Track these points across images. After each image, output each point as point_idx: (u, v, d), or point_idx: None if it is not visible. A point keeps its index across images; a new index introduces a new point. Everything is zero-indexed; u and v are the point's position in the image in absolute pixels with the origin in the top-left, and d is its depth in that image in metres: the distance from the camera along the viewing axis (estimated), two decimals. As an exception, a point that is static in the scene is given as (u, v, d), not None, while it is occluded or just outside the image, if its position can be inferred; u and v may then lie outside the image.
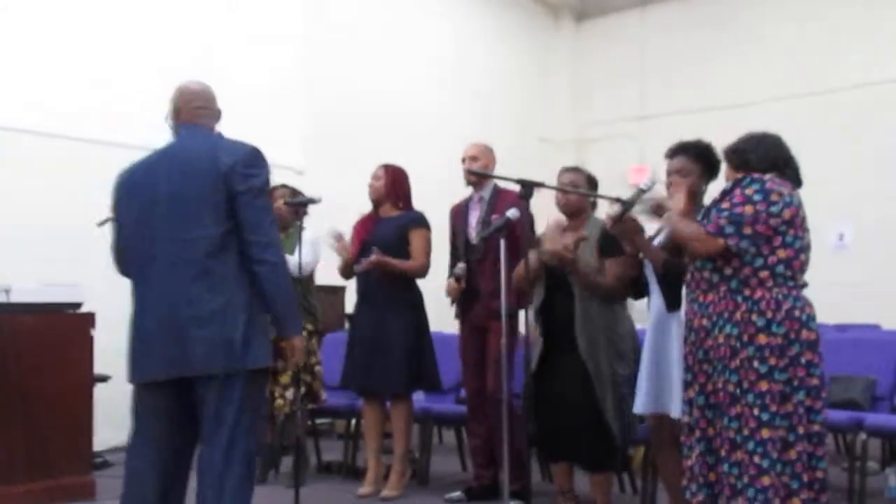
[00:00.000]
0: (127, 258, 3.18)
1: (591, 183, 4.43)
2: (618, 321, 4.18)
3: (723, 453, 3.12)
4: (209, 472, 2.99)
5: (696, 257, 3.27)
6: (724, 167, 3.52)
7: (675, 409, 3.56)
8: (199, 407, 3.02)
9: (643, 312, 4.18)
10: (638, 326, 4.34)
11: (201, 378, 2.98)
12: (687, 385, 3.33)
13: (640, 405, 3.82)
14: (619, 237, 3.75)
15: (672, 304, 3.69)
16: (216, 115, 3.26)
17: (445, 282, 5.03)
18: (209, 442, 3.01)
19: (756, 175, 3.20)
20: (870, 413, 4.88)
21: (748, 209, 3.12)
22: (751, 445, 3.06)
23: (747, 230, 3.11)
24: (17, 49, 6.26)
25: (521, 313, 4.01)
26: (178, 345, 2.99)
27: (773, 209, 3.11)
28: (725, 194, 3.27)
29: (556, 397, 4.15)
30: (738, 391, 3.10)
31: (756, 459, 3.04)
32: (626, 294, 4.15)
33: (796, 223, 3.16)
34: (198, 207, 3.02)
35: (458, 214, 5.14)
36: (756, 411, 3.06)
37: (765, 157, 3.30)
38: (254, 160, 3.07)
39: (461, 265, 4.87)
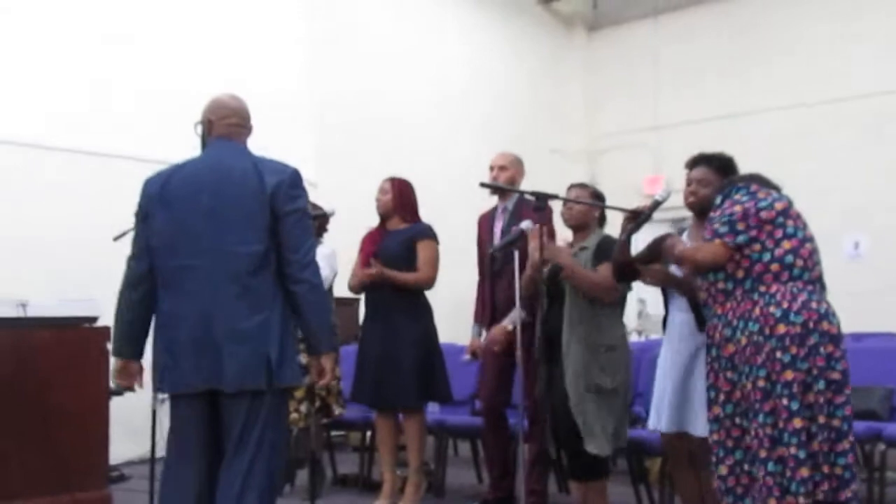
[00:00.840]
0: (154, 261, 3.15)
1: (598, 198, 4.43)
2: (603, 333, 4.14)
3: (763, 454, 3.09)
4: (228, 490, 3.00)
5: (705, 270, 3.29)
6: None
7: (699, 428, 3.54)
8: (226, 423, 3.05)
9: (657, 324, 4.17)
10: (654, 336, 4.32)
11: (231, 394, 3.01)
12: (711, 403, 3.31)
13: (664, 423, 3.77)
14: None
15: (702, 323, 3.67)
16: (249, 132, 3.30)
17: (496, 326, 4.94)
18: (231, 458, 3.03)
19: (742, 184, 3.32)
20: (888, 423, 4.85)
21: (737, 208, 3.22)
22: (785, 437, 3.05)
23: (741, 226, 3.19)
24: (33, 64, 6.32)
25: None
26: (213, 358, 3.02)
27: (762, 203, 3.21)
28: (716, 209, 3.35)
29: (553, 411, 4.16)
30: (768, 385, 3.10)
31: (792, 451, 3.04)
32: (611, 294, 4.13)
33: (791, 214, 3.24)
34: (242, 223, 3.05)
35: (484, 224, 5.14)
36: (785, 401, 3.06)
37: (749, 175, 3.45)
38: (297, 181, 3.16)
39: (520, 312, 4.37)
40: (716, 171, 3.70)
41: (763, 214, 3.18)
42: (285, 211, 3.05)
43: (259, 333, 3.01)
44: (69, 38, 6.50)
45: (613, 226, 4.18)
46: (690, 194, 3.72)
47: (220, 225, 3.05)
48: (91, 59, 6.58)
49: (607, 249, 4.00)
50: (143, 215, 3.20)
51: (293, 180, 3.13)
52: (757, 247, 3.17)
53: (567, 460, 4.21)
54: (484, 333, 5.08)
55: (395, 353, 4.94)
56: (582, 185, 4.47)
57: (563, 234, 4.79)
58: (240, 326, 3.01)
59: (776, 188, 3.38)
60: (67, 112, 6.40)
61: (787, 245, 3.17)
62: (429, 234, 5.09)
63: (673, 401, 3.75)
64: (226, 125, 3.23)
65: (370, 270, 4.89)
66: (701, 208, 3.73)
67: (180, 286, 3.09)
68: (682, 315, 3.75)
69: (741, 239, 3.17)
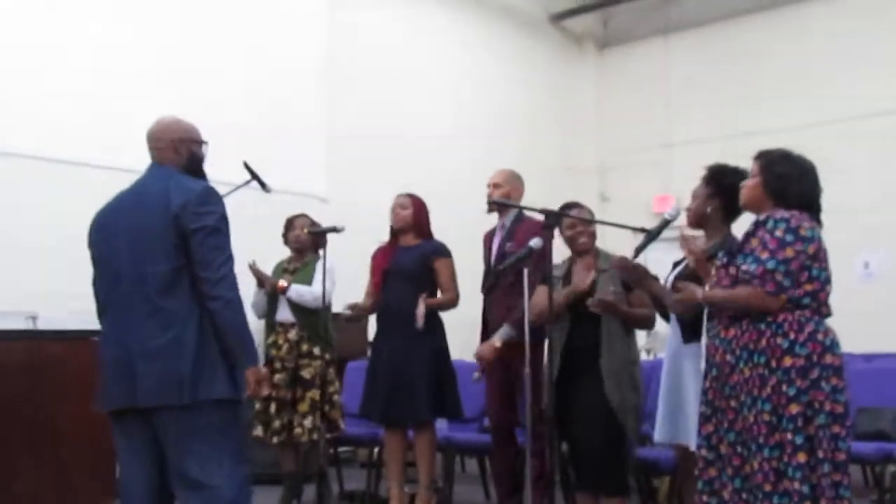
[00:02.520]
0: (97, 293, 3.34)
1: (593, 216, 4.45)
2: (633, 351, 4.22)
3: (768, 488, 3.04)
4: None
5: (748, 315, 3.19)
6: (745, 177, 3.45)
7: (693, 441, 3.54)
8: (161, 443, 3.13)
9: (663, 341, 4.18)
10: (661, 355, 4.33)
11: (158, 411, 3.08)
12: (705, 419, 3.29)
13: (658, 434, 3.81)
14: (630, 280, 3.76)
15: (688, 336, 3.67)
16: (176, 151, 3.34)
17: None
18: (175, 475, 3.11)
19: (779, 215, 3.14)
20: (899, 444, 4.82)
21: (789, 252, 3.07)
22: (790, 471, 3.01)
23: (797, 276, 3.08)
24: (43, 79, 6.35)
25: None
26: (127, 378, 3.12)
27: (805, 246, 3.09)
28: (749, 237, 3.22)
29: (577, 426, 4.16)
30: (773, 419, 3.05)
31: (797, 485, 3.00)
32: (654, 322, 4.18)
33: (820, 257, 3.13)
34: (150, 245, 3.14)
35: (486, 242, 5.15)
36: (790, 435, 3.02)
37: (807, 194, 3.23)
38: (206, 199, 3.17)
39: (509, 329, 4.63)
40: (704, 181, 3.74)
41: (802, 258, 3.08)
42: (192, 229, 3.10)
43: (170, 351, 3.07)
44: (77, 55, 6.54)
45: (622, 245, 4.18)
46: (686, 210, 3.78)
47: (133, 248, 3.17)
48: (99, 69, 6.62)
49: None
50: (89, 247, 3.40)
51: (201, 198, 3.16)
52: (792, 290, 3.10)
53: (593, 476, 4.19)
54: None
55: (408, 368, 4.93)
56: (579, 206, 4.46)
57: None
58: (150, 345, 3.09)
59: (820, 209, 3.28)
60: (81, 124, 6.44)
61: (808, 287, 3.10)
62: (445, 252, 5.11)
63: (665, 412, 3.76)
64: (154, 149, 3.37)
65: (420, 310, 4.87)
66: (693, 222, 3.79)
67: (106, 310, 3.27)
68: (675, 326, 3.76)
69: (796, 288, 3.09)
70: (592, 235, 4.36)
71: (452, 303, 5.08)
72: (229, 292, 3.10)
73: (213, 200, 3.19)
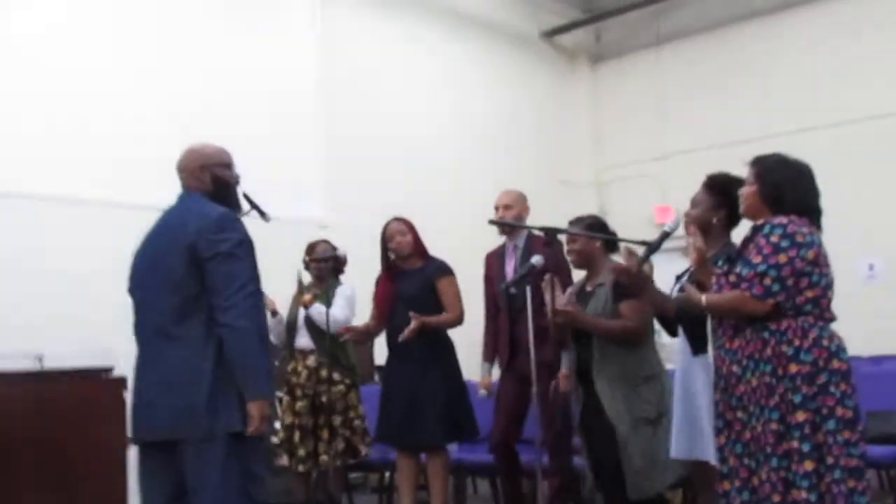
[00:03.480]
0: (133, 327, 3.35)
1: (594, 227, 4.39)
2: (641, 364, 4.14)
3: (776, 499, 3.02)
4: None
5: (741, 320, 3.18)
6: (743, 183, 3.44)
7: (712, 455, 3.51)
8: (183, 472, 3.10)
9: (671, 353, 4.16)
10: (669, 366, 4.31)
11: (179, 443, 3.07)
12: (718, 431, 3.27)
13: (674, 450, 3.78)
14: (629, 288, 3.75)
15: (697, 347, 3.66)
16: (200, 179, 3.34)
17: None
18: None
19: (776, 220, 3.13)
20: (911, 447, 4.80)
21: (781, 258, 3.06)
22: (797, 480, 2.99)
23: (790, 281, 3.07)
24: (44, 116, 6.37)
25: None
26: (147, 410, 3.14)
27: (802, 252, 3.08)
28: (747, 243, 3.22)
29: (590, 445, 4.15)
30: (781, 427, 3.03)
31: (804, 494, 2.97)
32: (641, 336, 4.12)
33: (820, 262, 3.12)
34: (166, 274, 3.14)
35: (493, 262, 5.14)
36: (796, 444, 3.00)
37: (801, 200, 3.22)
38: (221, 225, 3.15)
39: (570, 354, 4.56)
40: (706, 189, 3.74)
41: (798, 264, 3.07)
42: (206, 256, 3.08)
43: (185, 381, 3.05)
44: (78, 85, 6.55)
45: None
46: (685, 216, 3.79)
47: (152, 278, 3.19)
48: (101, 106, 6.64)
49: (624, 287, 3.98)
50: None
51: (217, 224, 3.14)
52: (782, 295, 3.10)
53: (610, 495, 4.17)
54: (496, 371, 5.07)
55: (421, 391, 4.91)
56: (576, 221, 4.45)
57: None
58: (165, 376, 3.08)
59: (819, 213, 3.27)
60: (81, 164, 6.45)
61: (809, 294, 3.09)
62: (448, 270, 5.09)
63: (682, 428, 3.73)
64: (181, 178, 3.37)
65: (413, 327, 4.84)
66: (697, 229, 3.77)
67: (137, 341, 3.28)
68: (682, 339, 3.75)
69: (787, 294, 3.07)
70: (579, 253, 4.33)
71: (456, 321, 5.04)
72: (237, 321, 3.05)
73: (228, 226, 3.16)
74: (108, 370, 4.94)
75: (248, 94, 7.51)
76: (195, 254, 3.09)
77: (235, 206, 3.42)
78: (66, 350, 4.89)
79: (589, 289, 4.30)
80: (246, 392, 3.09)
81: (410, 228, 5.12)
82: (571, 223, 4.44)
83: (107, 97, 6.69)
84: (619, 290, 4.10)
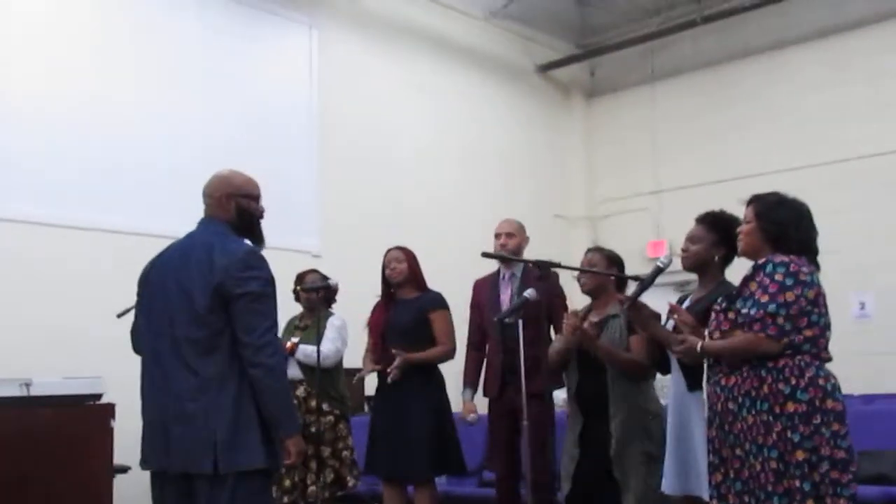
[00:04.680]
0: (138, 344, 3.31)
1: (614, 261, 4.42)
2: (648, 400, 4.14)
3: None
4: None
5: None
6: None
7: (705, 491, 3.49)
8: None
9: (663, 389, 4.15)
10: (663, 401, 4.30)
11: (194, 476, 3.02)
12: (713, 468, 3.26)
13: (667, 486, 3.75)
14: (634, 322, 3.74)
15: (692, 383, 3.65)
16: (224, 207, 3.27)
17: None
18: None
19: (778, 259, 3.14)
20: (902, 487, 4.78)
21: (789, 296, 3.07)
22: None
23: (798, 320, 3.07)
24: (32, 143, 6.37)
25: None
26: (163, 441, 3.08)
27: (804, 291, 3.08)
28: (747, 282, 3.22)
29: (585, 477, 4.13)
30: (780, 465, 3.02)
31: None
32: (648, 370, 4.13)
33: (819, 302, 3.13)
34: (190, 308, 3.08)
35: (483, 290, 5.12)
36: (798, 482, 2.99)
37: (804, 240, 3.23)
38: (249, 263, 3.11)
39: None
40: (707, 227, 3.74)
41: (801, 304, 3.08)
42: (234, 294, 3.04)
43: (205, 416, 3.01)
44: (70, 118, 6.57)
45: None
46: (682, 252, 3.77)
47: (174, 309, 3.12)
48: (94, 137, 6.64)
49: None
50: (137, 295, 3.34)
51: (245, 262, 3.10)
52: (792, 334, 3.08)
53: None
54: (481, 397, 5.04)
55: (409, 424, 4.88)
56: (598, 250, 4.48)
57: (573, 299, 4.80)
58: (186, 409, 3.04)
59: (817, 252, 3.28)
60: (70, 189, 6.45)
61: (808, 333, 3.09)
62: (441, 303, 5.07)
63: (673, 464, 3.71)
64: (206, 205, 3.31)
65: (398, 363, 4.82)
66: (693, 266, 3.76)
67: (146, 368, 3.21)
68: (677, 374, 3.73)
69: (797, 333, 3.08)
70: (591, 281, 4.34)
71: (446, 354, 5.01)
72: (271, 359, 3.04)
73: (256, 264, 3.13)
74: (97, 397, 4.91)
75: (242, 124, 7.53)
76: (222, 291, 3.05)
77: (259, 240, 3.37)
78: (53, 377, 4.86)
79: (595, 319, 4.30)
80: (281, 429, 3.10)
81: (408, 258, 5.12)
82: (591, 250, 4.45)
83: (104, 128, 6.70)
84: (631, 325, 4.10)
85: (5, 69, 6.29)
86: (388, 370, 4.86)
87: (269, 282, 3.13)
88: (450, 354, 5.03)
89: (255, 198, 3.36)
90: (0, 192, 6.16)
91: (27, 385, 4.61)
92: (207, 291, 3.05)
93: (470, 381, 5.10)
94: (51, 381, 4.78)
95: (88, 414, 4.87)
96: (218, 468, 2.97)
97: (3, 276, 6.03)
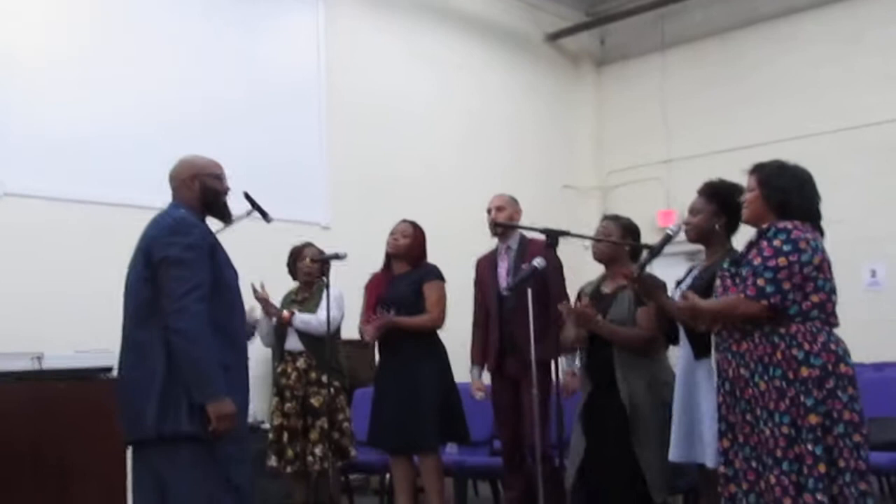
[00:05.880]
0: None
1: (629, 230, 4.39)
2: (662, 369, 4.14)
3: (788, 502, 3.01)
4: None
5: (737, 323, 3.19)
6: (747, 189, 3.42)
7: (710, 459, 3.50)
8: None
9: (672, 358, 4.15)
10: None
11: (145, 445, 3.15)
12: (721, 434, 3.26)
13: (673, 453, 3.76)
14: (640, 293, 3.75)
15: (699, 351, 3.65)
16: (184, 189, 3.42)
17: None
18: None
19: (781, 225, 3.15)
20: (912, 453, 4.78)
21: (781, 261, 3.08)
22: (811, 483, 2.99)
23: (786, 285, 3.08)
24: (41, 117, 6.36)
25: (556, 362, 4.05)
26: (120, 409, 3.25)
27: (804, 258, 3.09)
28: (751, 247, 3.24)
29: (599, 446, 4.13)
30: (792, 431, 3.03)
31: (819, 497, 2.97)
32: (658, 344, 4.12)
33: (824, 268, 3.14)
34: (132, 280, 3.24)
35: (485, 266, 5.13)
36: (810, 446, 3.00)
37: (807, 206, 3.24)
38: (175, 230, 3.20)
39: (573, 357, 4.69)
40: (707, 197, 3.74)
41: (805, 270, 3.08)
42: (156, 261, 3.15)
43: (141, 384, 3.11)
44: (79, 91, 6.56)
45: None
46: (684, 225, 3.77)
47: (126, 285, 3.29)
48: (101, 112, 6.63)
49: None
50: None
51: (171, 229, 3.20)
52: (787, 302, 3.10)
53: (626, 500, 4.15)
54: (486, 375, 5.06)
55: (413, 395, 4.90)
56: (613, 218, 4.46)
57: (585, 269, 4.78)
58: (128, 378, 3.19)
59: (820, 218, 3.29)
60: (80, 164, 6.45)
61: (815, 299, 3.11)
62: (435, 274, 5.08)
63: (679, 431, 3.72)
64: (172, 189, 3.47)
65: (378, 322, 4.85)
66: (696, 237, 3.76)
67: None
68: (685, 343, 3.73)
69: (790, 298, 3.08)
70: (605, 251, 4.32)
71: (431, 322, 4.98)
72: (184, 323, 3.07)
73: (181, 230, 3.20)
74: (108, 370, 4.94)
75: (251, 98, 7.51)
76: (149, 259, 3.16)
77: (225, 216, 3.50)
78: (65, 350, 4.89)
79: (607, 290, 4.28)
80: (196, 395, 3.10)
81: (415, 234, 5.12)
82: (608, 218, 4.43)
83: (112, 104, 6.68)
84: (638, 296, 4.09)
85: None
86: (368, 329, 4.93)
87: (191, 247, 3.17)
88: (436, 323, 5.00)
89: (219, 177, 3.47)
90: (9, 168, 6.15)
91: (39, 359, 4.64)
92: (139, 262, 3.20)
93: (477, 360, 5.11)
94: (62, 354, 4.82)
95: (100, 387, 4.90)
96: (150, 434, 3.08)
97: (12, 251, 6.04)
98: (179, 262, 3.13)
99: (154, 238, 3.19)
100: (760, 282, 3.08)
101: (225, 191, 3.48)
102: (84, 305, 6.04)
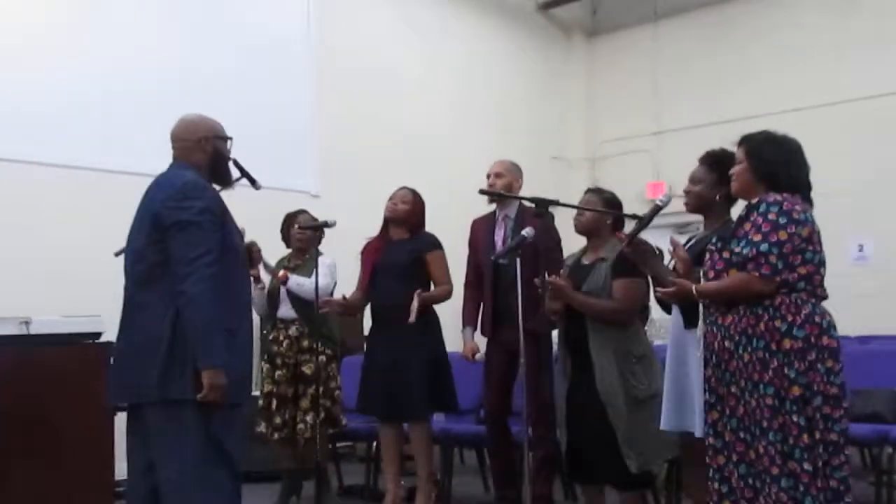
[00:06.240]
0: None
1: (612, 204, 4.39)
2: (633, 342, 4.15)
3: (775, 471, 3.04)
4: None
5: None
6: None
7: (698, 428, 3.53)
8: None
9: (660, 330, 4.17)
10: (658, 342, 4.32)
11: (141, 408, 3.14)
12: (710, 406, 3.28)
13: (664, 422, 3.79)
14: (633, 260, 3.74)
15: (689, 320, 3.66)
16: (188, 149, 3.36)
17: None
18: (157, 471, 3.15)
19: (771, 198, 3.13)
20: (895, 426, 4.83)
21: (782, 235, 3.07)
22: (797, 453, 3.02)
23: (792, 258, 3.07)
24: (29, 81, 6.31)
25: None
26: (115, 373, 3.24)
27: (798, 229, 3.08)
28: (742, 221, 3.22)
29: (578, 420, 4.15)
30: (776, 402, 3.05)
31: (805, 466, 3.00)
32: (631, 316, 4.13)
33: (813, 239, 3.13)
34: (138, 242, 3.21)
35: (481, 229, 5.13)
36: (795, 417, 3.03)
37: (795, 177, 3.22)
38: (185, 193, 3.15)
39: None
40: (708, 167, 3.72)
41: (795, 241, 3.08)
42: (166, 225, 3.11)
43: (145, 348, 3.09)
44: (65, 55, 6.50)
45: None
46: (684, 193, 3.75)
47: (129, 246, 3.27)
48: (91, 76, 6.58)
49: (625, 262, 3.98)
50: None
51: (182, 192, 3.15)
52: (785, 272, 3.09)
53: (604, 471, 4.19)
54: (478, 336, 5.08)
55: (403, 363, 4.93)
56: (596, 191, 4.46)
57: (568, 240, 4.80)
58: (130, 342, 3.17)
59: (810, 189, 3.27)
60: (68, 128, 6.41)
61: (802, 271, 3.10)
62: (437, 245, 5.10)
63: (669, 400, 3.74)
64: (177, 148, 3.40)
65: (416, 307, 4.85)
66: (695, 207, 3.75)
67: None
68: (676, 312, 3.74)
69: (790, 271, 3.07)
70: (591, 220, 4.32)
71: (447, 295, 5.08)
72: (193, 287, 3.05)
73: (193, 194, 3.16)
74: (96, 335, 4.93)
75: (240, 65, 7.45)
76: (158, 222, 3.12)
77: (228, 182, 3.46)
78: (53, 316, 4.87)
79: (586, 262, 4.29)
80: (197, 361, 3.10)
81: (414, 201, 5.13)
82: (591, 191, 4.44)
83: (100, 67, 6.62)
84: (617, 268, 4.09)
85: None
86: (395, 307, 4.89)
87: (203, 211, 3.14)
88: (449, 294, 5.10)
89: (226, 140, 3.45)
90: (-3, 132, 6.11)
91: (26, 323, 4.62)
92: (147, 224, 3.16)
93: (469, 321, 5.14)
94: (50, 319, 4.80)
95: (88, 352, 4.89)
96: (152, 398, 3.07)
97: (1, 216, 6.01)
98: (191, 226, 3.09)
99: (164, 201, 3.13)
100: (772, 259, 3.05)
101: (229, 156, 3.47)
102: (70, 271, 6.03)
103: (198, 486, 3.13)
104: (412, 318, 4.87)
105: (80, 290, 5.84)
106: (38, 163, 6.25)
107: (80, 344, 4.90)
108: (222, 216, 3.23)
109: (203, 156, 3.34)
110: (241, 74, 7.38)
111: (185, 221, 3.10)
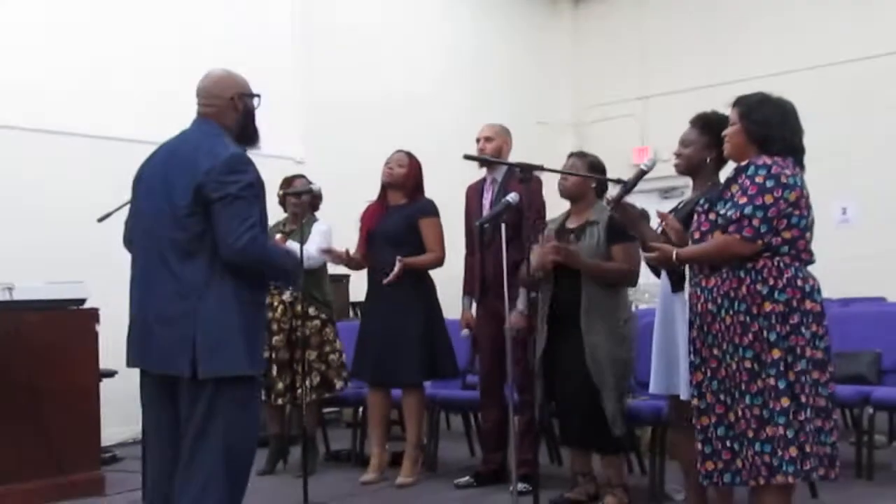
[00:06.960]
0: (129, 240, 3.29)
1: (596, 168, 4.40)
2: (619, 307, 4.18)
3: (750, 434, 3.06)
4: (178, 477, 3.04)
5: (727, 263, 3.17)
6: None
7: (684, 391, 3.55)
8: (179, 411, 3.07)
9: (644, 294, 4.19)
10: (643, 306, 4.34)
11: (178, 378, 3.02)
12: (694, 368, 3.30)
13: (652, 385, 3.81)
14: (622, 222, 3.74)
15: (675, 284, 3.67)
16: (220, 108, 3.22)
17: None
18: (183, 445, 3.04)
19: (760, 161, 3.11)
20: (876, 387, 4.89)
21: (768, 199, 3.04)
22: (774, 417, 3.02)
23: (776, 222, 3.06)
24: (14, 45, 6.25)
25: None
26: (145, 341, 3.09)
27: (785, 193, 3.06)
28: (729, 183, 3.20)
29: (562, 383, 4.18)
30: (755, 366, 3.06)
31: (781, 431, 3.01)
32: (634, 279, 4.16)
33: (801, 204, 3.11)
34: (173, 210, 3.04)
35: (472, 195, 5.11)
36: (773, 381, 3.03)
37: (788, 141, 3.19)
38: (232, 167, 3.03)
39: (526, 294, 4.59)
40: (700, 130, 3.69)
41: (781, 205, 3.05)
42: (213, 198, 2.98)
43: (185, 320, 2.99)
44: (50, 19, 6.43)
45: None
46: (674, 156, 3.73)
47: (159, 209, 3.09)
48: (73, 40, 6.52)
49: (619, 228, 3.98)
50: (131, 193, 3.31)
51: (228, 165, 3.02)
52: (769, 236, 3.08)
53: (578, 433, 4.22)
54: (475, 305, 5.08)
55: (400, 330, 4.92)
56: (580, 155, 4.45)
57: (553, 205, 4.79)
58: (166, 312, 3.03)
59: (803, 153, 3.25)
60: (54, 93, 6.35)
61: (786, 235, 3.08)
62: (431, 211, 5.07)
63: (658, 363, 3.76)
64: (206, 105, 3.23)
65: (397, 272, 4.83)
66: (686, 169, 3.74)
67: (133, 267, 3.20)
68: (664, 275, 3.76)
69: (773, 234, 3.06)
70: (576, 184, 4.33)
71: (437, 262, 5.05)
72: (250, 247, 2.98)
73: (239, 168, 3.05)
74: (81, 302, 4.92)
75: (224, 28, 7.36)
76: (203, 194, 3.00)
77: (255, 140, 3.34)
78: (37, 282, 4.85)
79: (571, 226, 4.29)
80: (287, 286, 3.12)
81: (411, 165, 5.10)
82: (574, 155, 4.41)
83: (90, 35, 6.57)
84: (612, 234, 4.10)
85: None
86: (387, 274, 4.87)
87: (251, 185, 3.05)
88: (440, 261, 5.06)
89: (255, 96, 3.34)
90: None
91: (10, 289, 4.60)
92: (188, 193, 3.01)
93: (469, 289, 5.13)
94: (34, 285, 4.77)
95: (73, 318, 4.89)
96: (197, 372, 2.96)
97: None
98: (238, 201, 3.00)
99: (208, 172, 2.99)
100: (755, 222, 3.04)
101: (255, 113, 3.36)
102: (57, 237, 6.00)
103: (251, 457, 3.14)
104: (388, 279, 4.85)
105: (63, 255, 5.82)
106: (20, 128, 6.21)
107: (65, 310, 4.89)
108: (262, 189, 3.15)
109: (235, 115, 3.23)
110: (225, 39, 7.29)
111: (233, 195, 2.99)
